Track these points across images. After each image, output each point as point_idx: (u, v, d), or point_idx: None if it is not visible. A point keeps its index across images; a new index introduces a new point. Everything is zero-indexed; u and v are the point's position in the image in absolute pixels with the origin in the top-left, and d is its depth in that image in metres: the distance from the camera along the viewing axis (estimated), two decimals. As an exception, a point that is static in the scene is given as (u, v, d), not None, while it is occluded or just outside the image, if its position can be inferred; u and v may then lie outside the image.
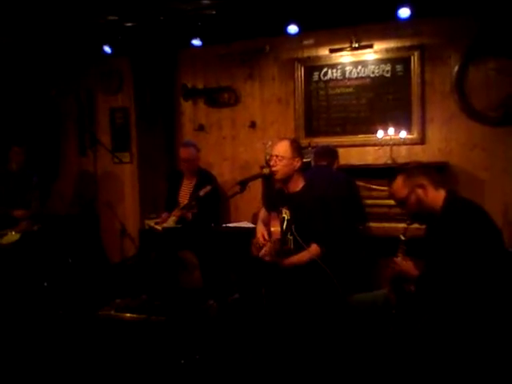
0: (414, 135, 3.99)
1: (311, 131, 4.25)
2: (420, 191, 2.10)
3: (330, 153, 3.47)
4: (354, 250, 3.07)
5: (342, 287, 2.37)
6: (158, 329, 2.92)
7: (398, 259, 2.07)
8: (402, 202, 2.14)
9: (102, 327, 3.07)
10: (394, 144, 3.87)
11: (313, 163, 3.44)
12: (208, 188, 3.49)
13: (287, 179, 2.57)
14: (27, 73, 4.73)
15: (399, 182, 2.12)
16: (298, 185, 2.60)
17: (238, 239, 3.02)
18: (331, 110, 4.18)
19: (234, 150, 4.55)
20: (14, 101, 4.63)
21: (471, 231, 1.95)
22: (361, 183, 3.70)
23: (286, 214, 2.60)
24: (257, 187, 3.89)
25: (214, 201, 3.72)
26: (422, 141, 3.96)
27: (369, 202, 3.74)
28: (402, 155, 3.92)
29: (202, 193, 3.50)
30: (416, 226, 2.27)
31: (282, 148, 2.58)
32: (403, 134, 3.89)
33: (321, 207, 2.51)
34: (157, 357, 2.64)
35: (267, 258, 2.44)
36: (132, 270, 3.98)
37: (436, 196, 2.11)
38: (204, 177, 3.89)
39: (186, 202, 3.75)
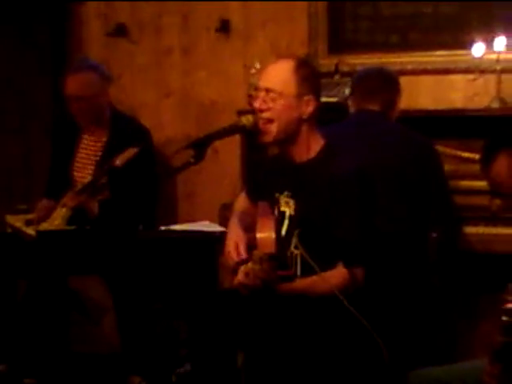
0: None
1: (341, 42, 3.04)
2: None
3: (387, 84, 2.55)
4: (418, 277, 2.37)
5: (391, 351, 1.88)
6: None
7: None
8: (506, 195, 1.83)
9: None
10: (506, 70, 2.78)
11: (352, 107, 2.59)
12: (131, 151, 2.68)
13: (289, 138, 2.05)
14: None
15: None
16: (311, 149, 2.07)
17: (192, 256, 2.48)
18: (382, 1, 2.98)
19: (187, 78, 3.32)
20: None
21: None
22: (441, 148, 2.70)
23: (287, 206, 2.09)
24: (231, 153, 3.00)
25: (145, 177, 2.84)
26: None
27: (458, 184, 2.71)
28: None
29: (119, 161, 2.69)
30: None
31: (280, 75, 2.04)
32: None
33: (354, 192, 2.00)
34: None
35: (244, 288, 1.93)
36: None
37: None
38: (123, 129, 2.92)
39: (87, 177, 2.87)
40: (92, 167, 2.85)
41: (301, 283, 1.99)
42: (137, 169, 2.67)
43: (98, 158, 2.86)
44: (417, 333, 2.37)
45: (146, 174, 2.82)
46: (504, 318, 1.65)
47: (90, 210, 2.74)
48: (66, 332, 2.85)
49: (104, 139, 2.88)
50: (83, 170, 2.88)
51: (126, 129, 2.88)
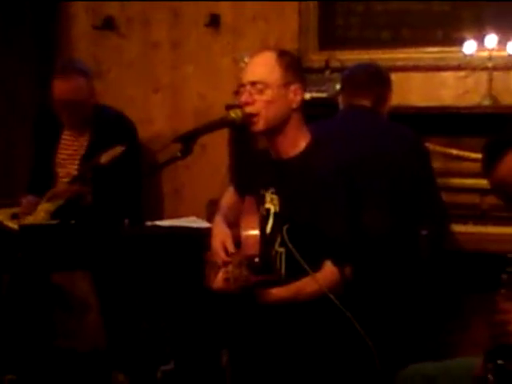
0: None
1: (332, 39, 3.02)
2: None
3: (377, 79, 2.53)
4: (408, 275, 2.33)
5: (381, 352, 1.86)
6: None
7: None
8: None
9: None
10: (497, 68, 2.76)
11: (342, 103, 2.56)
12: (117, 150, 2.65)
13: (278, 129, 2.00)
14: None
15: None
16: (299, 143, 2.04)
17: (177, 252, 2.39)
18: (373, -2, 2.95)
19: (176, 72, 3.29)
20: None
21: None
22: (431, 146, 2.69)
23: (271, 203, 2.07)
24: (219, 148, 2.99)
25: (129, 173, 2.82)
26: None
27: (447, 182, 2.67)
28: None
29: (103, 159, 2.68)
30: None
31: (264, 66, 2.00)
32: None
33: (339, 188, 1.97)
34: None
35: (230, 287, 1.89)
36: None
37: None
38: (108, 125, 2.90)
39: (70, 173, 2.88)
40: (75, 162, 2.81)
41: (291, 287, 1.95)
42: (121, 165, 2.63)
43: (82, 153, 2.82)
44: (406, 332, 2.35)
45: (131, 170, 2.79)
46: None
47: (85, 198, 2.73)
48: (48, 328, 2.81)
49: (87, 135, 2.83)
50: (66, 166, 2.85)
51: (110, 124, 2.85)
